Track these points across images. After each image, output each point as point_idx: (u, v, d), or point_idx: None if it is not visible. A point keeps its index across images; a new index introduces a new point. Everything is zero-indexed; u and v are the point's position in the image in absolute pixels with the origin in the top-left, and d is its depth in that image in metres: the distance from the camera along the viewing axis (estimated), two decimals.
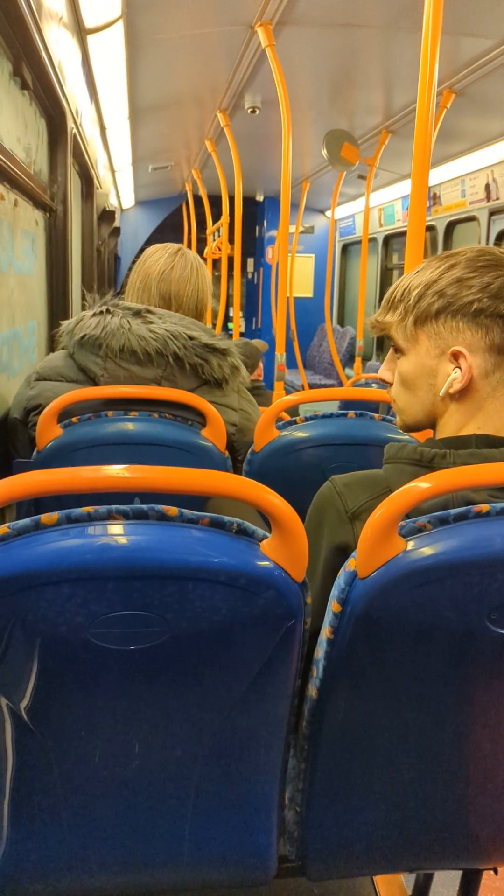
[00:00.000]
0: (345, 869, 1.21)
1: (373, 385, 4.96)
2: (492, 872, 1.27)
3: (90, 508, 0.87)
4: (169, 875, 1.10)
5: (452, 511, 0.92)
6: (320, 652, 0.98)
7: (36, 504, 1.53)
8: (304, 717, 1.04)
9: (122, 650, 0.87)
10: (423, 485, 0.89)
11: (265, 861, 1.09)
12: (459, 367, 1.07)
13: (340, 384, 6.86)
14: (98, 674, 0.90)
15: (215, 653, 0.91)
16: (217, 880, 1.15)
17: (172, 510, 0.88)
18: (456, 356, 1.08)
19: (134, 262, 2.01)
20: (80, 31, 3.16)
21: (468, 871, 1.37)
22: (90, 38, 3.27)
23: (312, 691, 1.01)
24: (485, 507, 0.92)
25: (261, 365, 4.47)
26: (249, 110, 4.68)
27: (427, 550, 0.90)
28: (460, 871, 1.38)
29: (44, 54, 2.39)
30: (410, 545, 0.90)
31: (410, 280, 1.13)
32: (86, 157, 4.11)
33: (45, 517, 0.86)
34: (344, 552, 1.08)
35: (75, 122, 3.35)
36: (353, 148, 5.12)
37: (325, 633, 0.97)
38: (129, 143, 5.70)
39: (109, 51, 3.49)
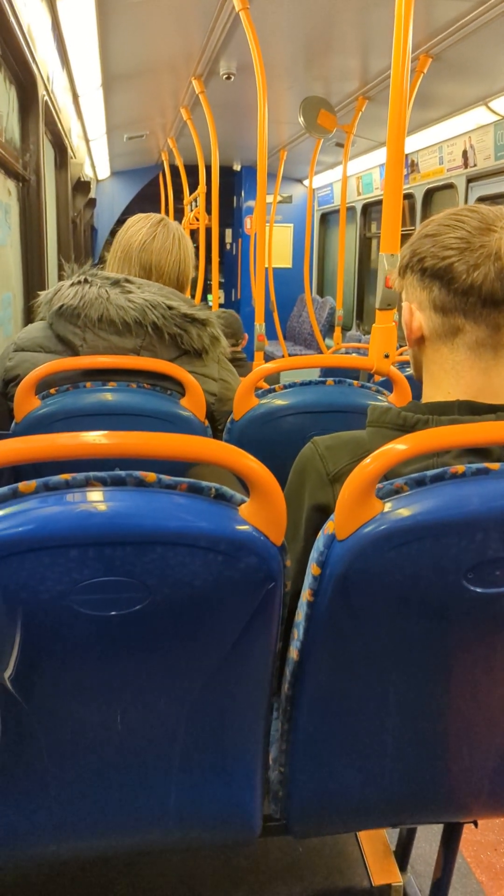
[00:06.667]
0: (328, 826, 1.24)
1: (353, 354, 4.95)
2: (472, 825, 1.30)
3: (68, 476, 0.87)
4: (156, 836, 1.12)
5: (429, 472, 0.92)
6: (301, 614, 0.99)
7: (16, 476, 1.52)
8: (286, 679, 1.05)
9: (103, 616, 0.87)
10: (399, 446, 0.89)
11: (250, 821, 1.11)
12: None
13: (321, 354, 6.84)
14: (80, 640, 0.90)
15: (196, 617, 0.92)
16: (203, 840, 1.17)
17: (150, 476, 0.88)
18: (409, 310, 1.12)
19: (112, 233, 1.98)
20: None
21: (449, 825, 1.40)
22: (59, 2, 3.20)
23: (294, 653, 1.02)
24: (461, 469, 0.92)
25: (246, 336, 4.41)
26: (224, 77, 4.61)
27: (404, 511, 0.90)
28: (442, 825, 1.41)
29: (12, 18, 2.33)
30: (388, 507, 0.91)
31: None
32: (59, 125, 4.04)
33: (23, 485, 0.86)
34: (325, 512, 1.08)
35: (47, 90, 3.29)
36: (329, 115, 5.06)
37: (305, 595, 0.97)
38: (103, 112, 5.59)
39: (80, 15, 3.42)
